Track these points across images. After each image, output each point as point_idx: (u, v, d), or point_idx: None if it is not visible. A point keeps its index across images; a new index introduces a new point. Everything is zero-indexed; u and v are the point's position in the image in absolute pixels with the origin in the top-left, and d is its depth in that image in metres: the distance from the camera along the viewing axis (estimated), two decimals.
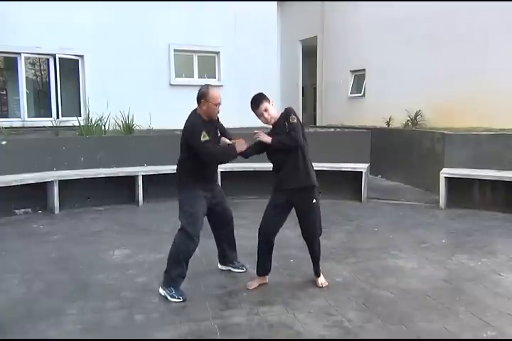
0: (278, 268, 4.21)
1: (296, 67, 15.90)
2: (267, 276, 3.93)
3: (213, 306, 3.46)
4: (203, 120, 3.79)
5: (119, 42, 9.97)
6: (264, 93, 3.87)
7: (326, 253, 4.51)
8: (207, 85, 3.86)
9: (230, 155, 3.80)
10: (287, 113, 3.76)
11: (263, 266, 3.87)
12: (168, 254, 3.75)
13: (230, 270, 4.26)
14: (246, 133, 8.36)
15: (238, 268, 4.26)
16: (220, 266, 4.32)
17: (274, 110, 3.82)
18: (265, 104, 3.78)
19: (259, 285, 3.85)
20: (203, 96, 3.79)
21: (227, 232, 4.19)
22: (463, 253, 4.70)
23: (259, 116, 3.82)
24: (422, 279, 3.99)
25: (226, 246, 4.22)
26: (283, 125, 3.74)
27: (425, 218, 6.30)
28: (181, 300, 3.57)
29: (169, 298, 3.61)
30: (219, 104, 3.82)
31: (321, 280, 3.88)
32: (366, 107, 12.58)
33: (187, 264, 3.72)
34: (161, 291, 3.68)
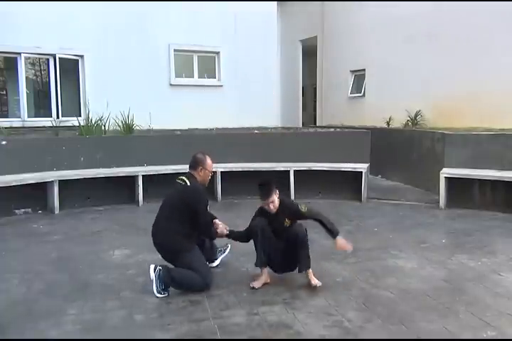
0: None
1: (296, 67, 15.89)
2: (268, 276, 3.92)
3: (213, 306, 3.46)
4: None
5: (119, 42, 9.98)
6: (273, 181, 3.99)
7: (326, 253, 4.52)
8: (202, 152, 4.06)
9: (212, 234, 4.01)
10: (289, 207, 3.95)
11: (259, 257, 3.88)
12: (178, 273, 3.73)
13: (220, 259, 4.34)
14: (245, 133, 8.38)
15: (225, 252, 4.39)
16: (209, 264, 4.28)
17: (277, 201, 3.94)
18: (273, 197, 3.90)
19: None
20: (201, 163, 3.97)
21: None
22: (463, 253, 4.70)
23: (265, 204, 3.93)
24: (422, 279, 3.99)
25: (206, 244, 4.25)
26: (282, 214, 3.91)
27: (425, 218, 6.30)
28: (166, 295, 3.64)
29: (154, 287, 3.61)
30: (211, 172, 4.08)
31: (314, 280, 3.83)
32: (366, 107, 12.58)
33: None
34: (152, 274, 3.64)
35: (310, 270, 3.85)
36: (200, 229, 3.89)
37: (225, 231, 4.07)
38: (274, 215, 3.91)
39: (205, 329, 3.10)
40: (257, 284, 3.83)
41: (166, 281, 3.66)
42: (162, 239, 3.87)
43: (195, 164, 3.97)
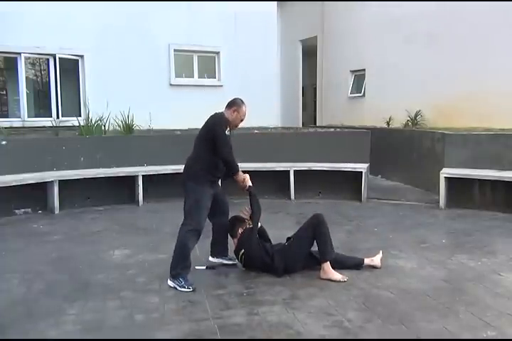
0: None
1: (296, 67, 15.90)
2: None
3: (213, 306, 3.46)
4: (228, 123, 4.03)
5: (119, 42, 9.97)
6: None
7: None
8: (242, 100, 4.10)
9: (236, 167, 4.02)
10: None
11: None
12: (173, 250, 3.86)
13: (222, 263, 4.36)
14: (246, 133, 8.39)
15: (231, 260, 4.37)
16: (211, 258, 4.38)
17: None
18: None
19: (258, 285, 3.86)
20: (236, 105, 4.03)
21: (225, 221, 4.30)
22: (463, 253, 4.70)
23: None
24: (422, 279, 3.99)
25: (222, 236, 4.35)
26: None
27: (425, 218, 6.29)
28: (191, 289, 3.70)
29: (179, 288, 3.73)
30: (242, 120, 4.10)
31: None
32: (366, 107, 12.58)
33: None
34: (170, 283, 3.80)
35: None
36: (220, 149, 3.88)
37: (249, 183, 4.15)
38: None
39: (205, 329, 3.10)
40: (343, 276, 3.92)
41: (177, 271, 3.77)
42: (189, 166, 4.03)
43: (232, 104, 4.06)
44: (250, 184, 4.17)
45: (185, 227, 3.85)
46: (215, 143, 3.90)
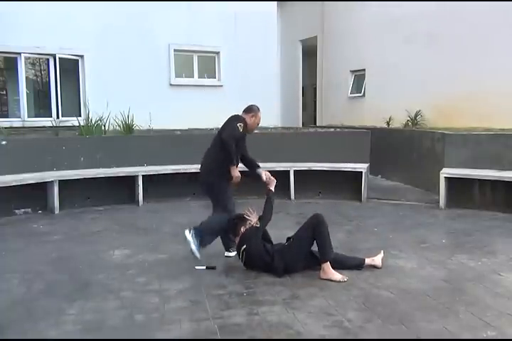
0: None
1: (296, 67, 15.90)
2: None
3: (213, 306, 3.46)
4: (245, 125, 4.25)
5: (119, 42, 9.98)
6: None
7: None
8: (257, 106, 4.43)
9: (233, 160, 4.16)
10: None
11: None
12: (205, 224, 4.15)
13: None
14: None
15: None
16: (226, 253, 4.56)
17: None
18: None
19: (258, 285, 3.86)
20: (253, 111, 4.31)
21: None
22: (463, 253, 4.70)
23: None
24: (422, 279, 3.99)
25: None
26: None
27: (425, 218, 6.29)
28: (198, 257, 3.92)
29: (192, 245, 3.93)
30: (258, 124, 4.46)
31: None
32: (366, 107, 12.58)
33: None
34: (188, 236, 3.95)
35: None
36: (224, 135, 4.07)
37: (271, 187, 4.37)
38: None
39: (205, 329, 3.09)
40: (343, 276, 3.94)
41: (202, 238, 3.98)
42: (201, 166, 4.28)
43: (249, 110, 4.32)
44: (272, 189, 4.37)
45: (222, 215, 4.14)
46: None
